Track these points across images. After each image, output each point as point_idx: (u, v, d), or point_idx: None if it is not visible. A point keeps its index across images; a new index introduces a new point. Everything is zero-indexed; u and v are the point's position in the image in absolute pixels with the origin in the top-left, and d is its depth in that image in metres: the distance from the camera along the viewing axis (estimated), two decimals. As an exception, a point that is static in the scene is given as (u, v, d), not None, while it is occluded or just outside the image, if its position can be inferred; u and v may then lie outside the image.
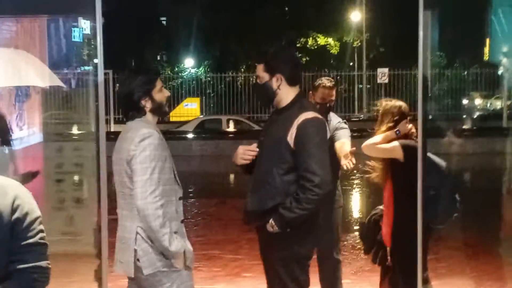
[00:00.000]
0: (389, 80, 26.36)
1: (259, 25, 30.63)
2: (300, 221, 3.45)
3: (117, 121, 20.11)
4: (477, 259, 7.05)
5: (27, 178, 4.56)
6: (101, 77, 4.12)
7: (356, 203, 11.31)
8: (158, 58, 35.83)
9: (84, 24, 24.23)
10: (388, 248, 4.38)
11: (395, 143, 4.25)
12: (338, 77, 26.81)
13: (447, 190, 4.33)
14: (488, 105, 30.64)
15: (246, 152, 3.64)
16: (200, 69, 32.23)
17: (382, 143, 4.27)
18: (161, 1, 34.80)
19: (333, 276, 5.07)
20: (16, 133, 5.59)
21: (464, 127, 21.63)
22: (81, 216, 4.84)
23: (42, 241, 2.04)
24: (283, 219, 3.44)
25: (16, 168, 4.62)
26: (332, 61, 32.71)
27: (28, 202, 2.04)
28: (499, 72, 28.16)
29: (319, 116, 3.57)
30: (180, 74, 31.76)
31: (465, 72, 29.05)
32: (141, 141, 3.20)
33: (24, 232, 1.99)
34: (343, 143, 4.68)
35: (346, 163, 4.49)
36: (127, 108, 3.37)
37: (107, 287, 4.18)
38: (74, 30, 23.11)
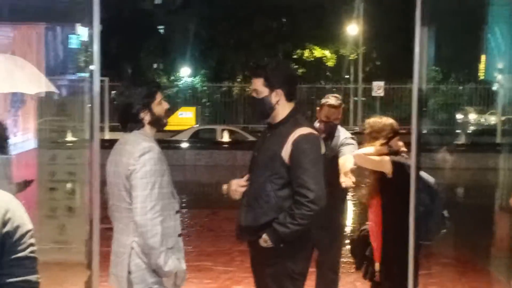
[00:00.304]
0: (385, 94, 26.48)
1: (256, 35, 30.73)
2: (293, 236, 3.45)
3: (112, 129, 20.08)
4: (469, 275, 7.05)
5: (21, 187, 4.55)
6: (97, 87, 4.10)
7: (348, 218, 11.29)
8: (155, 66, 35.84)
9: (82, 31, 24.25)
10: (376, 264, 4.41)
11: (386, 157, 4.28)
12: (334, 89, 26.87)
13: (436, 207, 4.36)
14: (483, 120, 30.77)
15: (238, 189, 3.63)
16: (196, 78, 32.26)
17: (373, 155, 4.30)
18: (159, 9, 34.86)
19: None
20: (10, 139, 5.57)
21: (458, 142, 21.70)
22: (73, 225, 4.82)
23: (32, 255, 2.02)
24: (277, 234, 3.44)
25: (11, 176, 4.59)
26: (328, 73, 32.81)
27: (19, 215, 2.02)
28: (494, 88, 28.32)
29: (314, 132, 3.57)
30: (176, 82, 31.79)
31: (461, 88, 29.21)
32: (141, 156, 3.16)
33: (15, 246, 1.98)
34: (346, 159, 4.65)
35: (345, 180, 4.48)
36: (125, 119, 3.33)
37: (98, 298, 4.15)
38: (71, 37, 23.10)
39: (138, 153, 3.17)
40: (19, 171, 4.84)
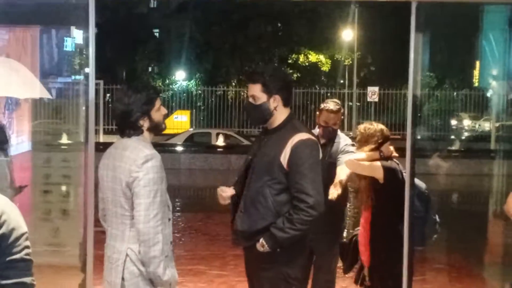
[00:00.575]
0: (379, 99, 26.52)
1: (252, 40, 30.76)
2: (291, 241, 3.44)
3: (106, 132, 20.06)
4: (463, 281, 7.06)
5: (16, 191, 4.54)
6: (92, 90, 4.10)
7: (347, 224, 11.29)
8: (150, 69, 35.82)
9: (76, 34, 24.20)
10: (366, 268, 4.42)
11: (377, 163, 4.29)
12: (328, 94, 26.92)
13: (427, 212, 4.38)
14: (477, 126, 30.86)
15: (223, 196, 3.62)
16: (191, 82, 32.26)
17: (365, 160, 4.31)
18: (154, 12, 34.86)
19: None
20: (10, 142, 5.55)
21: (452, 148, 21.75)
22: (67, 228, 4.81)
23: (27, 257, 2.02)
24: (275, 239, 3.43)
25: (11, 179, 4.56)
26: (323, 78, 32.86)
27: (14, 218, 2.01)
28: (488, 94, 28.41)
29: (312, 137, 3.57)
30: (171, 86, 31.77)
31: (455, 93, 29.29)
32: (144, 163, 3.13)
33: (9, 248, 1.97)
34: (342, 169, 4.61)
35: (332, 193, 4.47)
36: (124, 125, 3.29)
37: (91, 301, 4.14)
38: (66, 40, 23.06)
39: (141, 160, 3.14)
40: (13, 173, 4.83)
